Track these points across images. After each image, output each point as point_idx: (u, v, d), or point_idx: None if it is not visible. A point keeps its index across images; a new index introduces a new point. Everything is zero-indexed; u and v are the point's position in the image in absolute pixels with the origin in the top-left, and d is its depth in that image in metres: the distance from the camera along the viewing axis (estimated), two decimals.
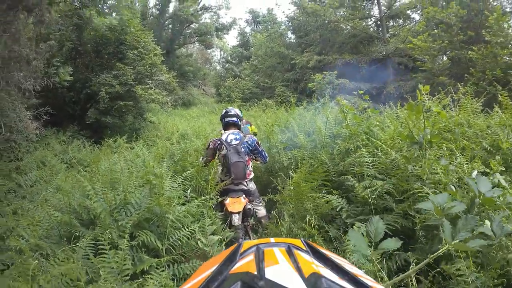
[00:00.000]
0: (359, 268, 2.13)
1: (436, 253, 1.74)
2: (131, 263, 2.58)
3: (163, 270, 2.60)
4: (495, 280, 1.86)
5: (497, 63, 9.81)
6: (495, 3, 12.27)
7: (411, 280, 1.97)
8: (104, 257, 2.54)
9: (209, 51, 40.69)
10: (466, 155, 3.24)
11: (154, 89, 11.37)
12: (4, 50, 5.70)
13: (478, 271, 1.90)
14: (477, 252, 2.03)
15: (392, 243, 1.89)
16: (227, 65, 34.17)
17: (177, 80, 14.57)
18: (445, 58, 13.30)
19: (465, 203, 1.98)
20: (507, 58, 9.97)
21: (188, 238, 3.09)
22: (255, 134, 4.19)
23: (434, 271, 2.08)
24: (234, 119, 4.11)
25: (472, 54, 10.45)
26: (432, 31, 12.78)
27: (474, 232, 1.78)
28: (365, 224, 2.21)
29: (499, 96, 4.64)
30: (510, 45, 9.95)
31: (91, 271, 2.53)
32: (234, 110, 4.23)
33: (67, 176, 5.57)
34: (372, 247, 1.89)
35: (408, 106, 2.94)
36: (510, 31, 10.37)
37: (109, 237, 2.68)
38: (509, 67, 9.41)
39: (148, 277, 2.34)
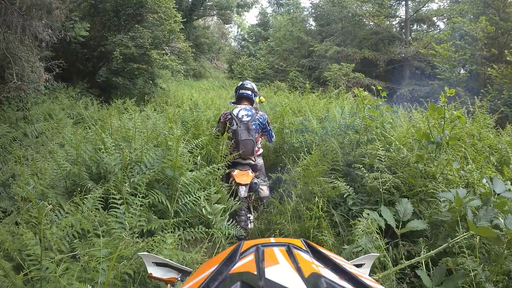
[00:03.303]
0: (366, 252, 2.20)
1: (457, 238, 1.86)
2: (141, 220, 2.60)
3: (170, 232, 2.62)
4: (498, 276, 1.96)
5: None
6: None
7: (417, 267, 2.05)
8: (115, 211, 2.56)
9: (226, 26, 40.47)
10: (477, 164, 3.29)
11: (170, 56, 11.28)
12: None
13: (482, 266, 1.96)
14: (483, 246, 2.11)
15: (419, 224, 1.99)
16: (243, 42, 33.70)
17: (192, 50, 14.42)
18: (463, 70, 13.22)
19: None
20: None
21: (194, 204, 3.12)
22: (261, 102, 4.16)
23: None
24: (249, 92, 4.06)
25: (492, 72, 10.34)
26: (456, 41, 12.64)
27: (493, 222, 1.91)
28: (375, 212, 2.29)
29: None
30: None
31: (98, 225, 2.48)
32: (250, 83, 4.17)
33: (76, 130, 5.59)
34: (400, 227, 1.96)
35: (431, 106, 2.96)
36: None
37: (122, 192, 2.69)
38: None
39: (161, 236, 2.36)
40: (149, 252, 1.43)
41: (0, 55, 5.75)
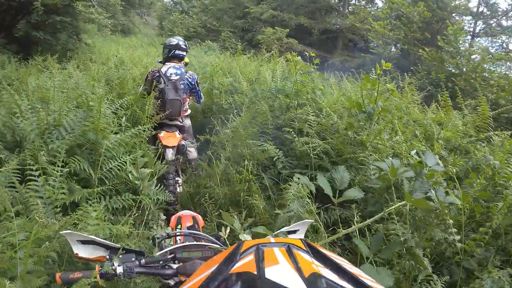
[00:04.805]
0: (298, 217, 2.24)
1: (392, 207, 1.96)
2: (61, 192, 2.37)
3: (95, 202, 2.44)
4: (426, 242, 2.12)
5: (442, 69, 10.43)
6: (457, 19, 13.27)
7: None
8: (34, 184, 2.29)
9: None
10: (405, 136, 3.47)
11: (96, 9, 10.44)
12: None
13: (411, 233, 2.08)
14: (410, 212, 2.25)
15: (357, 193, 2.06)
16: None
17: (121, 4, 13.23)
18: (394, 48, 13.92)
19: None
20: (452, 69, 10.58)
21: (120, 170, 2.93)
22: (186, 64, 3.98)
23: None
24: (185, 54, 3.82)
25: (423, 53, 11.07)
26: (392, 20, 13.21)
27: (427, 194, 2.01)
28: (305, 176, 2.33)
29: (439, 96, 5.24)
30: (458, 57, 10.46)
31: (16, 201, 2.20)
32: (185, 42, 3.86)
33: None
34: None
35: (365, 77, 3.05)
36: (461, 46, 10.89)
37: (38, 162, 2.43)
38: (451, 76, 9.96)
39: (84, 209, 2.17)
40: (71, 230, 1.31)
41: None
